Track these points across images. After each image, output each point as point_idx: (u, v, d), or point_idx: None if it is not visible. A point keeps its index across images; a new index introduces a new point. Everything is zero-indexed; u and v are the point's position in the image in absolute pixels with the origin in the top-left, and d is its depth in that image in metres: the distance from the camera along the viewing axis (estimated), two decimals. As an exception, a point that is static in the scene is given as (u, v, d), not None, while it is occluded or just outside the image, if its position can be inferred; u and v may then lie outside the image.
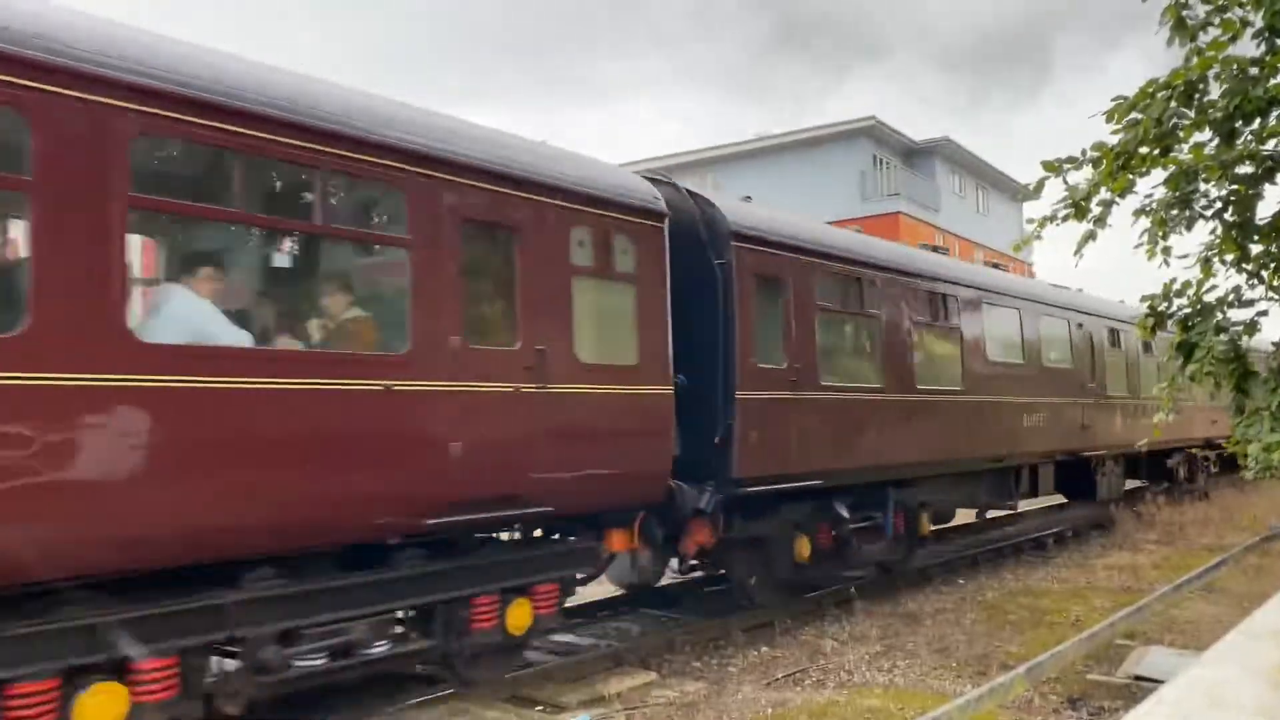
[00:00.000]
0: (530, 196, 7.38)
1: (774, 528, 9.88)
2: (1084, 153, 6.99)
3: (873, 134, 37.42)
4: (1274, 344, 8.32)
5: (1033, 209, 78.38)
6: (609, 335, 8.11)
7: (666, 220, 8.61)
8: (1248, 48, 6.69)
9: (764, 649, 8.97)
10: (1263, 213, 7.12)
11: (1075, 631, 9.10)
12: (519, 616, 7.33)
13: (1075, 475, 16.11)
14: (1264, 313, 7.31)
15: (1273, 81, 6.44)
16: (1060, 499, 17.95)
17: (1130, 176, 6.93)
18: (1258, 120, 6.67)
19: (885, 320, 11.22)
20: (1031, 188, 7.29)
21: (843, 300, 10.79)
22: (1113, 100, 6.86)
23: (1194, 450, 20.29)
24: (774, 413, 9.40)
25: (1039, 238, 7.42)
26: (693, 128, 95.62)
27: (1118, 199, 7.04)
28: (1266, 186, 6.96)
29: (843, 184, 35.85)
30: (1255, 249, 7.19)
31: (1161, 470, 19.55)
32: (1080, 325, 16.06)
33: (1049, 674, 7.75)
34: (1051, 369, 14.88)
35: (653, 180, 9.21)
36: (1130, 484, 19.55)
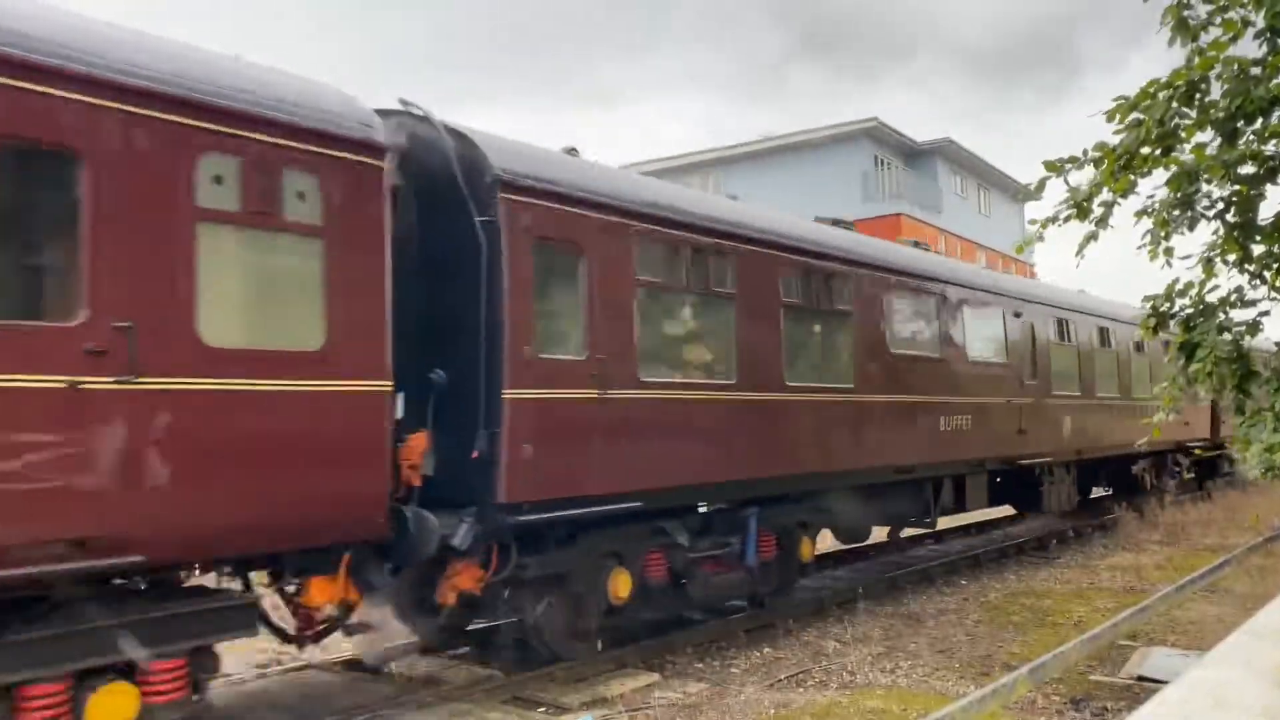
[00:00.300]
0: (111, 105, 5.22)
1: (575, 562, 7.80)
2: (1085, 153, 7.00)
3: (874, 135, 37.43)
4: (1277, 344, 8.34)
5: (1035, 209, 78.66)
6: (270, 309, 6.03)
7: (389, 157, 6.48)
8: (1249, 48, 6.71)
9: (766, 650, 8.96)
10: (1265, 213, 7.16)
11: (1078, 632, 9.10)
12: (111, 710, 5.18)
13: (1023, 485, 14.48)
14: (1266, 313, 7.34)
15: (1274, 81, 6.45)
16: (997, 512, 16.48)
17: (1132, 177, 6.94)
18: (1259, 120, 6.69)
19: (743, 302, 9.07)
20: (1033, 188, 7.31)
21: (678, 275, 8.56)
22: (1114, 100, 6.88)
23: (1185, 452, 19.18)
24: (565, 417, 7.35)
25: (1041, 239, 7.43)
26: (699, 131, 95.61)
27: (1119, 199, 7.06)
28: (1268, 187, 6.98)
29: (844, 185, 35.84)
30: (1257, 249, 7.22)
31: (1126, 477, 17.83)
32: (1018, 314, 13.86)
33: (1052, 675, 7.74)
34: (979, 364, 12.74)
35: (392, 111, 7.27)
36: (1098, 493, 18.65)
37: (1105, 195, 7.04)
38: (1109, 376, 16.65)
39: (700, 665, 8.53)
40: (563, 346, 7.52)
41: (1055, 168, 7.00)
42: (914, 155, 39.81)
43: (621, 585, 8.14)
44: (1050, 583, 12.47)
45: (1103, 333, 16.62)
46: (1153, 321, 7.47)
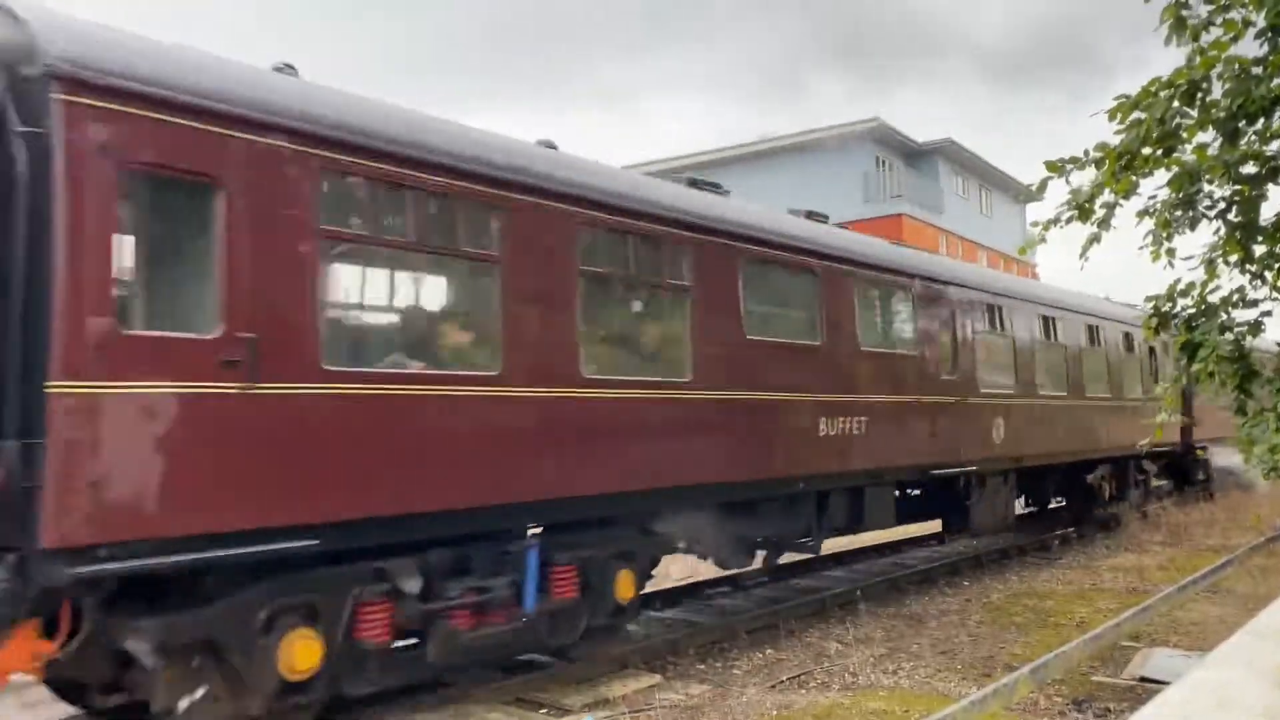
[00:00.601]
0: None
1: (221, 624, 5.58)
2: (1086, 153, 7.01)
3: (875, 135, 37.47)
4: (1278, 344, 8.36)
5: (1037, 210, 78.67)
6: None
7: None
8: (1250, 47, 6.72)
9: (769, 651, 8.96)
10: (1266, 214, 7.17)
11: (1080, 633, 9.09)
12: None
13: (953, 498, 12.34)
14: (1267, 313, 7.36)
15: (1275, 81, 6.46)
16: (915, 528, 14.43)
17: (1134, 178, 6.96)
18: (1261, 120, 6.70)
19: (515, 269, 6.96)
20: (1035, 188, 7.32)
21: (401, 228, 6.46)
22: (1115, 100, 6.89)
23: (1153, 457, 17.58)
24: (177, 421, 5.18)
25: (1043, 240, 7.43)
26: (702, 131, 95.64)
27: (1121, 200, 7.07)
28: (1270, 187, 6.99)
29: (846, 186, 35.90)
30: (1259, 250, 7.24)
31: (1081, 487, 16.16)
32: (933, 298, 11.63)
33: (1054, 675, 7.74)
34: (876, 355, 10.57)
35: None
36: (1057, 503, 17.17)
37: (1107, 196, 7.05)
38: (1056, 372, 14.48)
39: (702, 666, 8.53)
40: (175, 319, 5.41)
41: (1057, 168, 7.00)
42: (915, 155, 39.85)
43: (301, 655, 5.81)
44: (1052, 583, 12.46)
45: (1048, 323, 14.37)
46: (1155, 321, 7.49)
